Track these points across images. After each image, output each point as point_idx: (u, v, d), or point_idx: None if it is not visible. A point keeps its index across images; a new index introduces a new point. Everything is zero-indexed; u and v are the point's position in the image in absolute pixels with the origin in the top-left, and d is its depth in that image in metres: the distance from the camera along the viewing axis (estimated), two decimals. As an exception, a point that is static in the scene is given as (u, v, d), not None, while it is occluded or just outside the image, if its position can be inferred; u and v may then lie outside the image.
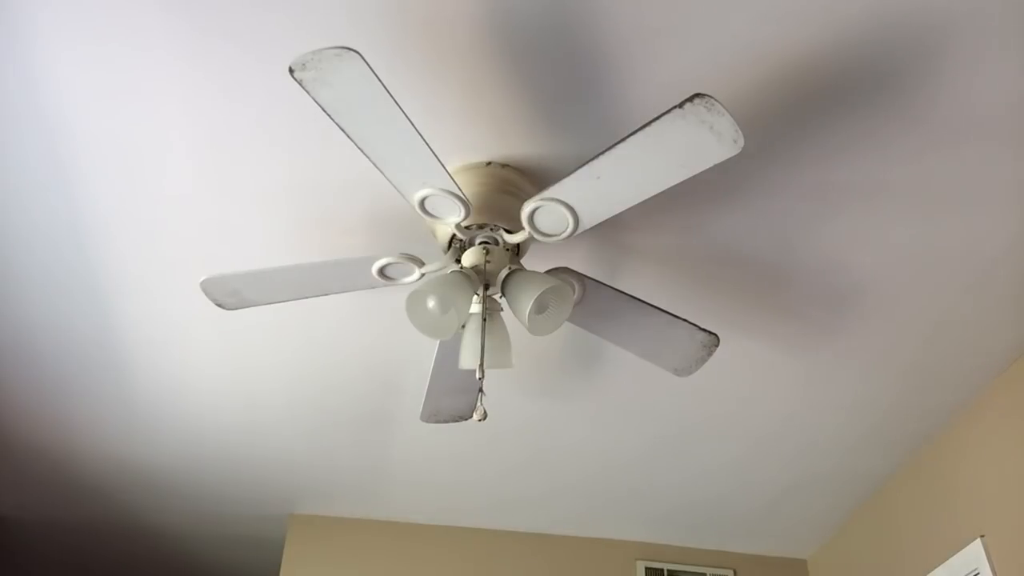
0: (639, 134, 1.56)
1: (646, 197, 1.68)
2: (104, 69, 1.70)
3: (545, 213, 1.73)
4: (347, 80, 1.44)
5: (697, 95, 1.48)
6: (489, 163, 1.89)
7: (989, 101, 1.74)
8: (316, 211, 2.01)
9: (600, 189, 1.66)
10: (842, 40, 1.62)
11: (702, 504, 3.23)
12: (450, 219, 1.75)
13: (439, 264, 1.88)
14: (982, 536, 2.52)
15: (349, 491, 3.16)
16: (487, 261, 1.82)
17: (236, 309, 1.98)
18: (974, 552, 2.53)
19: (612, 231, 2.03)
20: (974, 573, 2.52)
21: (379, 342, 2.40)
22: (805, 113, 1.76)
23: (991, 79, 1.70)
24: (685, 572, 3.43)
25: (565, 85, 1.72)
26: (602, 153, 1.60)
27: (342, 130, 1.53)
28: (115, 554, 3.80)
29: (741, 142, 1.54)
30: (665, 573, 3.39)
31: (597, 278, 1.98)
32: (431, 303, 1.79)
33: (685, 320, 2.00)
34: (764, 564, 3.52)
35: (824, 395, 2.62)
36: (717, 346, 2.05)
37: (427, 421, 2.24)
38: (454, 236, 1.84)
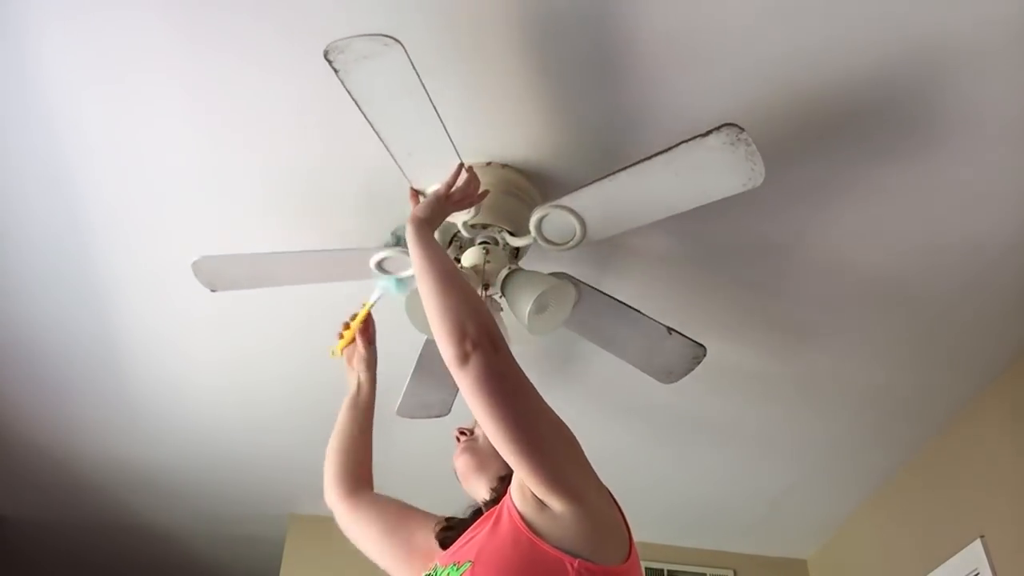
0: (662, 156, 1.55)
1: (656, 219, 1.69)
2: (102, 66, 1.70)
3: (553, 221, 1.74)
4: (384, 70, 1.43)
5: (726, 125, 1.48)
6: (489, 163, 1.88)
7: (990, 102, 1.74)
8: (319, 208, 2.00)
9: (613, 205, 1.67)
10: (847, 49, 1.62)
11: (702, 504, 3.23)
12: (459, 217, 1.75)
13: None
14: (982, 536, 2.51)
15: (349, 491, 3.15)
16: (487, 261, 1.82)
17: (228, 290, 1.93)
18: (974, 552, 2.53)
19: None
20: (974, 573, 2.51)
21: (378, 342, 2.40)
22: (805, 115, 1.76)
23: (992, 82, 1.70)
24: (685, 572, 3.43)
25: (572, 88, 1.72)
26: (621, 170, 1.60)
27: (367, 120, 1.52)
28: (115, 554, 3.80)
29: (762, 177, 1.54)
30: (665, 573, 3.39)
31: (590, 279, 1.99)
32: (431, 303, 1.79)
33: (676, 331, 2.00)
34: (764, 564, 3.52)
35: (824, 395, 2.61)
36: (704, 356, 2.05)
37: (403, 416, 2.26)
38: (455, 234, 1.84)
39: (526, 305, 1.76)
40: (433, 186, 1.63)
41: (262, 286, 1.93)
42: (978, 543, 2.51)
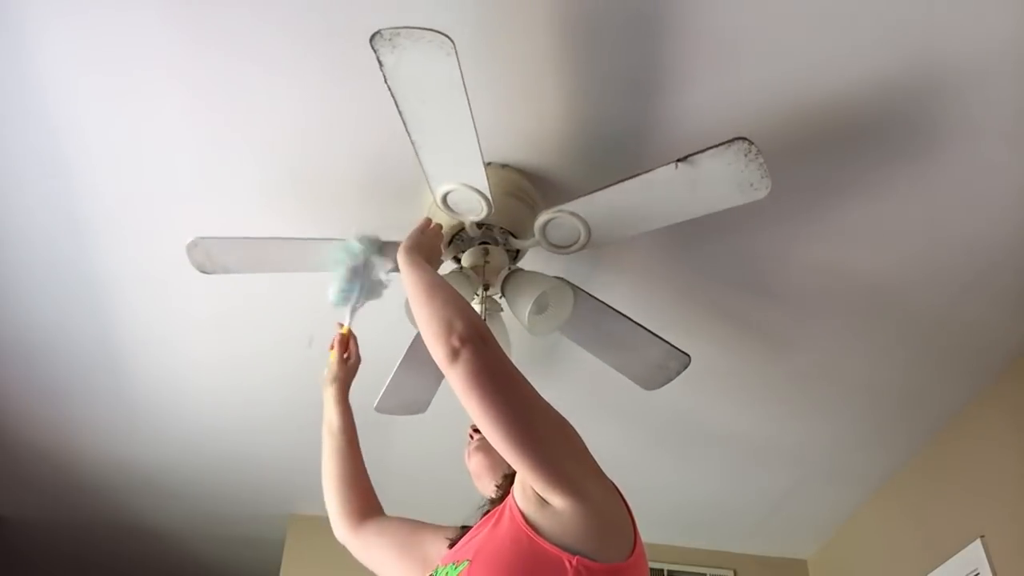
0: (671, 166, 1.57)
1: (659, 227, 1.69)
2: (101, 63, 1.70)
3: (560, 225, 1.73)
4: (431, 66, 1.40)
5: (738, 139, 1.50)
6: (489, 163, 1.88)
7: (989, 103, 1.74)
8: (319, 209, 2.00)
9: (620, 212, 1.68)
10: (848, 56, 1.63)
11: (702, 504, 3.23)
12: (469, 217, 1.74)
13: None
14: (982, 536, 2.51)
15: (349, 491, 3.15)
16: (486, 261, 1.82)
17: (216, 273, 1.91)
18: (974, 552, 2.53)
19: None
20: (974, 573, 2.51)
21: (378, 342, 2.40)
22: (804, 119, 1.76)
23: (992, 84, 1.70)
24: (685, 572, 3.43)
25: (578, 93, 1.72)
26: (630, 178, 1.61)
27: (401, 116, 1.50)
28: (115, 554, 3.80)
29: (767, 190, 1.57)
30: (665, 573, 3.39)
31: (583, 280, 1.98)
32: (431, 303, 1.78)
33: (663, 339, 2.02)
34: (764, 564, 3.52)
35: (824, 395, 2.61)
36: (687, 366, 2.08)
37: (382, 411, 2.24)
38: (456, 234, 1.83)
39: (526, 305, 1.76)
40: (446, 185, 1.64)
41: (255, 271, 1.89)
42: (978, 543, 2.51)
